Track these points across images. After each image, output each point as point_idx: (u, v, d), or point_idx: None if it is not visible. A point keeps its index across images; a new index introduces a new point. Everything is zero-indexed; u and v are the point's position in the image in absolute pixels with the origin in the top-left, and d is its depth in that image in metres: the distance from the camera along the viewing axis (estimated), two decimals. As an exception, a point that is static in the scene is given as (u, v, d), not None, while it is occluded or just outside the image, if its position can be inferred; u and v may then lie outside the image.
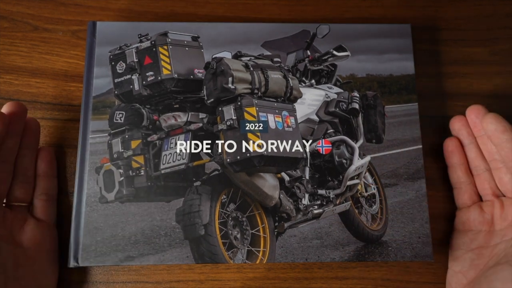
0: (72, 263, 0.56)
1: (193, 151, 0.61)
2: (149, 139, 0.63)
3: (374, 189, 0.70)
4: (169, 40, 0.64)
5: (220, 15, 0.71)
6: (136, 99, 0.64)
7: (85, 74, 0.63)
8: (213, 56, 0.63)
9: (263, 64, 0.62)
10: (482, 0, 0.72)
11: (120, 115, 0.63)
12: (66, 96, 0.66)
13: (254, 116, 0.58)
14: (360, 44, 0.67)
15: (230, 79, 0.58)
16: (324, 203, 0.66)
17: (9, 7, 0.70)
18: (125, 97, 0.64)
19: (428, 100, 0.67)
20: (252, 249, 0.60)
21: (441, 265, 0.60)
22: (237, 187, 0.60)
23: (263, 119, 0.58)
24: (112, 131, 0.63)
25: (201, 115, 0.63)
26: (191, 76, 0.65)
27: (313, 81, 0.72)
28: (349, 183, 0.67)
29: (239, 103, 0.58)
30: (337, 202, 0.67)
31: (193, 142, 0.61)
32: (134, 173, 0.61)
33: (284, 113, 0.61)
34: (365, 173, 0.69)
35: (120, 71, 0.64)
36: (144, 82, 0.63)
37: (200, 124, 0.61)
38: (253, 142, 0.57)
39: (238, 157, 0.57)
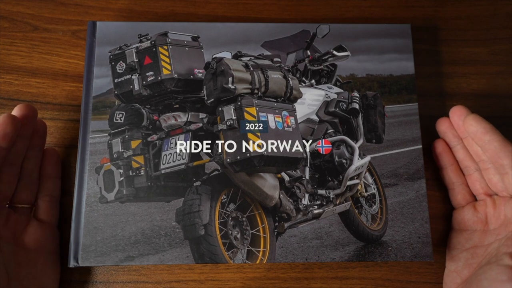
0: (72, 263, 0.56)
1: (193, 151, 0.61)
2: (149, 139, 0.63)
3: (374, 189, 0.70)
4: (169, 40, 0.64)
5: (220, 15, 0.71)
6: (136, 99, 0.64)
7: (85, 74, 0.63)
8: (213, 56, 0.63)
9: (263, 64, 0.62)
10: (482, 0, 0.72)
11: (120, 115, 0.63)
12: (66, 96, 0.66)
13: (254, 116, 0.58)
14: (360, 44, 0.67)
15: (230, 79, 0.58)
16: (324, 203, 0.66)
17: (9, 7, 0.70)
18: (125, 97, 0.64)
19: (428, 100, 0.67)
20: (252, 249, 0.60)
21: (441, 265, 0.60)
22: (237, 187, 0.60)
23: (263, 119, 0.58)
24: (112, 131, 0.63)
25: (201, 115, 0.63)
26: (191, 76, 0.65)
27: (313, 81, 0.72)
28: (349, 183, 0.67)
29: (239, 103, 0.58)
30: (337, 202, 0.67)
31: (193, 142, 0.61)
32: (134, 173, 0.61)
33: (284, 113, 0.61)
34: (365, 173, 0.69)
35: (120, 71, 0.64)
36: (144, 82, 0.63)
37: (200, 124, 0.61)
38: (253, 142, 0.57)
39: (238, 157, 0.57)
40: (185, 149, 0.61)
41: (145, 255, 0.57)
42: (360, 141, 0.71)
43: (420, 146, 0.63)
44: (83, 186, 0.59)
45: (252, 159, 0.57)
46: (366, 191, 0.70)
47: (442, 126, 0.61)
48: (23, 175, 0.56)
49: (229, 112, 0.58)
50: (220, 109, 0.58)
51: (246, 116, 0.58)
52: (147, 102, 0.65)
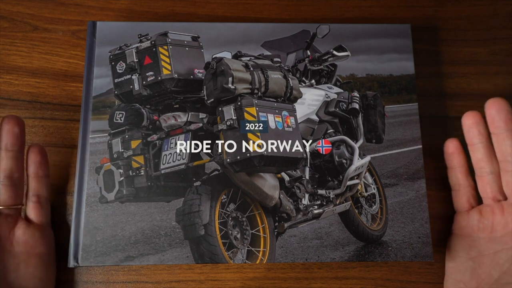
0: (72, 263, 0.56)
1: (193, 151, 0.61)
2: (149, 139, 0.63)
3: (374, 189, 0.70)
4: (169, 40, 0.64)
5: (220, 15, 0.71)
6: (136, 99, 0.64)
7: (85, 74, 0.63)
8: (213, 56, 0.63)
9: (263, 64, 0.62)
10: (482, 0, 0.72)
11: (120, 115, 0.64)
12: (66, 96, 0.66)
13: (254, 116, 0.58)
14: (360, 44, 0.67)
15: (230, 79, 0.58)
16: (324, 203, 0.66)
17: (9, 7, 0.70)
18: (125, 97, 0.64)
19: (428, 100, 0.67)
20: (252, 249, 0.60)
21: (441, 265, 0.60)
22: (237, 187, 0.60)
23: (263, 119, 0.58)
24: (112, 131, 0.63)
25: (201, 115, 0.63)
26: (191, 76, 0.65)
27: (313, 81, 0.72)
28: (349, 183, 0.67)
29: (239, 103, 0.58)
30: (337, 202, 0.67)
31: (193, 142, 0.61)
32: (134, 173, 0.61)
33: (284, 113, 0.61)
34: (365, 173, 0.69)
35: (120, 71, 0.64)
36: (144, 82, 0.63)
37: (200, 124, 0.61)
38: (253, 142, 0.57)
39: (238, 157, 0.57)
40: (185, 149, 0.61)
41: (145, 255, 0.57)
42: (360, 141, 0.71)
43: (420, 146, 0.63)
44: (83, 186, 0.59)
45: (252, 159, 0.57)
46: (366, 191, 0.70)
47: (470, 120, 0.56)
48: (3, 176, 0.53)
49: (229, 112, 0.58)
50: (220, 109, 0.59)
51: (246, 116, 0.58)
52: (147, 102, 0.65)
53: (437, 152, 0.64)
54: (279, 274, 0.60)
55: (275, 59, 0.65)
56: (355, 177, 0.68)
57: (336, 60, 0.69)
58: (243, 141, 0.57)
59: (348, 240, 0.63)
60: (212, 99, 0.59)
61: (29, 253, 0.54)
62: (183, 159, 0.61)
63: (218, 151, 0.58)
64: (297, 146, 0.59)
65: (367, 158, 0.68)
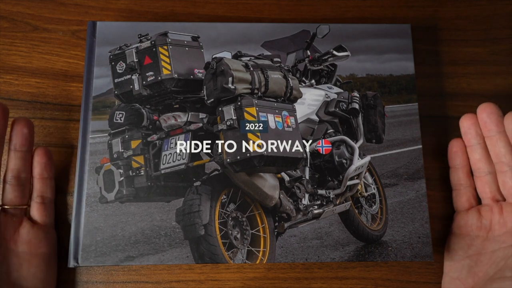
0: (72, 263, 0.56)
1: (193, 151, 0.61)
2: (149, 139, 0.63)
3: (374, 189, 0.70)
4: (169, 40, 0.64)
5: (220, 15, 0.71)
6: (136, 99, 0.64)
7: (85, 74, 0.63)
8: (213, 56, 0.63)
9: (263, 64, 0.62)
10: (482, 0, 0.72)
11: (120, 115, 0.63)
12: (66, 96, 0.66)
13: (254, 116, 0.58)
14: (360, 44, 0.67)
15: (230, 79, 0.58)
16: (324, 203, 0.66)
17: (9, 7, 0.70)
18: (125, 97, 0.64)
19: (428, 100, 0.67)
20: (252, 249, 0.60)
21: (441, 265, 0.60)
22: (237, 187, 0.60)
23: (263, 119, 0.58)
24: (112, 131, 0.63)
25: (201, 115, 0.63)
26: (191, 76, 0.65)
27: (313, 81, 0.72)
28: (349, 183, 0.67)
29: (239, 103, 0.58)
30: (337, 202, 0.67)
31: (193, 142, 0.61)
32: (134, 173, 0.61)
33: (284, 113, 0.61)
34: (365, 173, 0.69)
35: (120, 71, 0.64)
36: (144, 82, 0.63)
37: (200, 124, 0.61)
38: (253, 142, 0.57)
39: (238, 157, 0.57)
40: (185, 149, 0.61)
41: (145, 255, 0.57)
42: (360, 141, 0.71)
43: (420, 146, 0.63)
44: (83, 186, 0.59)
45: (252, 159, 0.57)
46: (366, 191, 0.70)
47: (468, 121, 0.58)
48: (10, 176, 0.55)
49: (229, 112, 0.58)
50: (220, 109, 0.59)
51: (246, 116, 0.58)
52: (147, 102, 0.65)
53: (437, 152, 0.64)
54: (279, 274, 0.60)
55: (275, 59, 0.65)
56: (355, 177, 0.68)
57: (336, 60, 0.69)
58: (243, 141, 0.57)
59: (348, 240, 0.63)
60: (212, 99, 0.59)
61: (32, 253, 0.54)
62: (183, 159, 0.61)
63: (218, 151, 0.58)
64: (297, 146, 0.59)
65: (367, 158, 0.68)
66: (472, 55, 0.70)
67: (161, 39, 0.63)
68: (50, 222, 0.58)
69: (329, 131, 0.70)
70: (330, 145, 0.66)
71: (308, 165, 0.65)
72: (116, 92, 0.65)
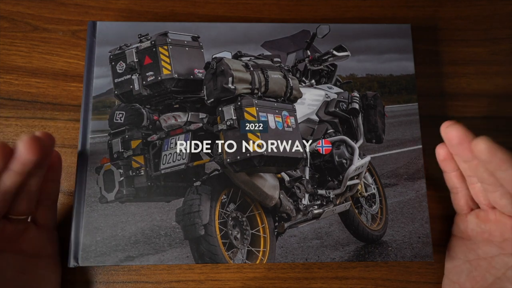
0: (72, 263, 0.56)
1: (193, 151, 0.61)
2: (149, 139, 0.63)
3: (374, 189, 0.70)
4: (169, 40, 0.64)
5: (220, 15, 0.71)
6: (136, 99, 0.64)
7: (85, 74, 0.63)
8: (213, 56, 0.63)
9: (263, 64, 0.62)
10: (482, 0, 0.72)
11: (120, 115, 0.63)
12: (66, 96, 0.66)
13: (254, 116, 0.58)
14: (360, 44, 0.67)
15: (230, 79, 0.58)
16: (324, 203, 0.66)
17: (9, 7, 0.70)
18: (125, 97, 0.64)
19: (428, 100, 0.67)
20: (252, 249, 0.60)
21: (441, 265, 0.60)
22: (237, 187, 0.60)
23: (263, 119, 0.58)
24: (112, 131, 0.63)
25: (201, 115, 0.63)
26: (191, 76, 0.65)
27: (313, 81, 0.72)
28: (349, 183, 0.67)
29: (239, 103, 0.58)
30: (337, 202, 0.67)
31: (193, 142, 0.61)
32: (134, 173, 0.61)
33: (284, 113, 0.61)
34: (365, 173, 0.69)
35: (120, 71, 0.64)
36: (144, 82, 0.63)
37: (200, 124, 0.61)
38: (253, 142, 0.57)
39: (238, 157, 0.57)
40: (185, 149, 0.61)
41: (145, 255, 0.57)
42: (360, 141, 0.71)
43: (420, 146, 0.63)
44: (83, 186, 0.59)
45: (252, 159, 0.57)
46: (366, 191, 0.70)
47: (442, 153, 0.54)
48: (23, 190, 0.50)
49: (229, 112, 0.58)
50: (220, 109, 0.59)
51: (246, 116, 0.58)
52: (147, 102, 0.65)
53: (437, 152, 0.64)
54: (279, 274, 0.60)
55: (275, 59, 0.65)
56: (355, 177, 0.68)
57: (336, 60, 0.69)
58: (243, 141, 0.57)
59: (348, 240, 0.63)
60: (212, 99, 0.59)
61: (39, 255, 0.54)
62: (183, 159, 0.61)
63: (218, 151, 0.58)
64: (297, 146, 0.59)
65: (367, 158, 0.68)
66: (472, 55, 0.70)
67: (161, 39, 0.64)
68: (53, 223, 0.58)
69: (329, 131, 0.70)
70: (330, 145, 0.66)
71: (308, 165, 0.65)
72: (116, 92, 0.65)
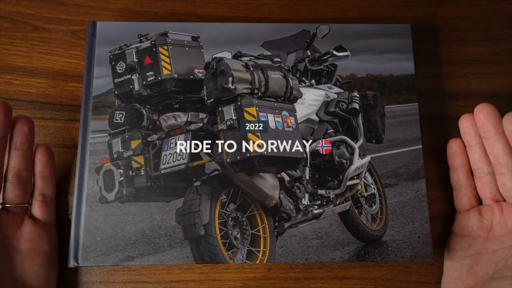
0: (72, 263, 0.56)
1: (193, 151, 0.61)
2: (149, 139, 0.63)
3: (374, 189, 0.70)
4: (169, 40, 0.64)
5: (220, 15, 0.71)
6: (136, 99, 0.64)
7: (85, 74, 0.63)
8: (213, 56, 0.63)
9: (263, 64, 0.62)
10: (482, 0, 0.72)
11: (120, 115, 0.64)
12: (66, 96, 0.66)
13: (254, 116, 0.58)
14: (360, 44, 0.67)
15: (230, 79, 0.58)
16: (324, 203, 0.66)
17: (9, 7, 0.70)
18: (125, 97, 0.64)
19: (428, 100, 0.67)
20: (252, 249, 0.60)
21: (441, 265, 0.60)
22: (237, 187, 0.60)
23: (263, 119, 0.58)
24: (112, 131, 0.63)
25: (201, 115, 0.63)
26: (191, 76, 0.65)
27: (313, 81, 0.72)
28: (349, 183, 0.67)
29: (239, 103, 0.58)
30: (337, 202, 0.67)
31: (193, 142, 0.61)
32: (134, 173, 0.61)
33: (284, 113, 0.61)
34: (365, 173, 0.69)
35: (120, 71, 0.64)
36: (144, 82, 0.63)
37: (200, 124, 0.61)
38: (253, 142, 0.57)
39: (238, 157, 0.57)
40: (185, 149, 0.61)
41: (145, 255, 0.57)
42: (360, 141, 0.71)
43: (420, 146, 0.63)
44: (83, 186, 0.59)
45: (252, 159, 0.57)
46: (366, 191, 0.70)
47: (467, 122, 0.58)
48: (11, 175, 0.55)
49: (229, 112, 0.58)
50: (220, 109, 0.59)
51: (246, 116, 0.58)
52: (147, 102, 0.65)
53: (437, 152, 0.64)
54: (279, 274, 0.60)
55: (275, 59, 0.65)
56: (355, 177, 0.68)
57: (336, 60, 0.69)
58: (243, 141, 0.57)
59: (348, 240, 0.63)
60: (212, 99, 0.59)
61: (34, 251, 0.54)
62: (183, 159, 0.61)
63: (218, 151, 0.58)
64: (297, 146, 0.59)
65: (367, 158, 0.68)
66: (472, 55, 0.70)
67: (161, 39, 0.64)
68: (51, 220, 0.58)
69: (329, 131, 0.70)
70: (330, 145, 0.66)
71: (308, 165, 0.65)
72: (116, 92, 0.65)
